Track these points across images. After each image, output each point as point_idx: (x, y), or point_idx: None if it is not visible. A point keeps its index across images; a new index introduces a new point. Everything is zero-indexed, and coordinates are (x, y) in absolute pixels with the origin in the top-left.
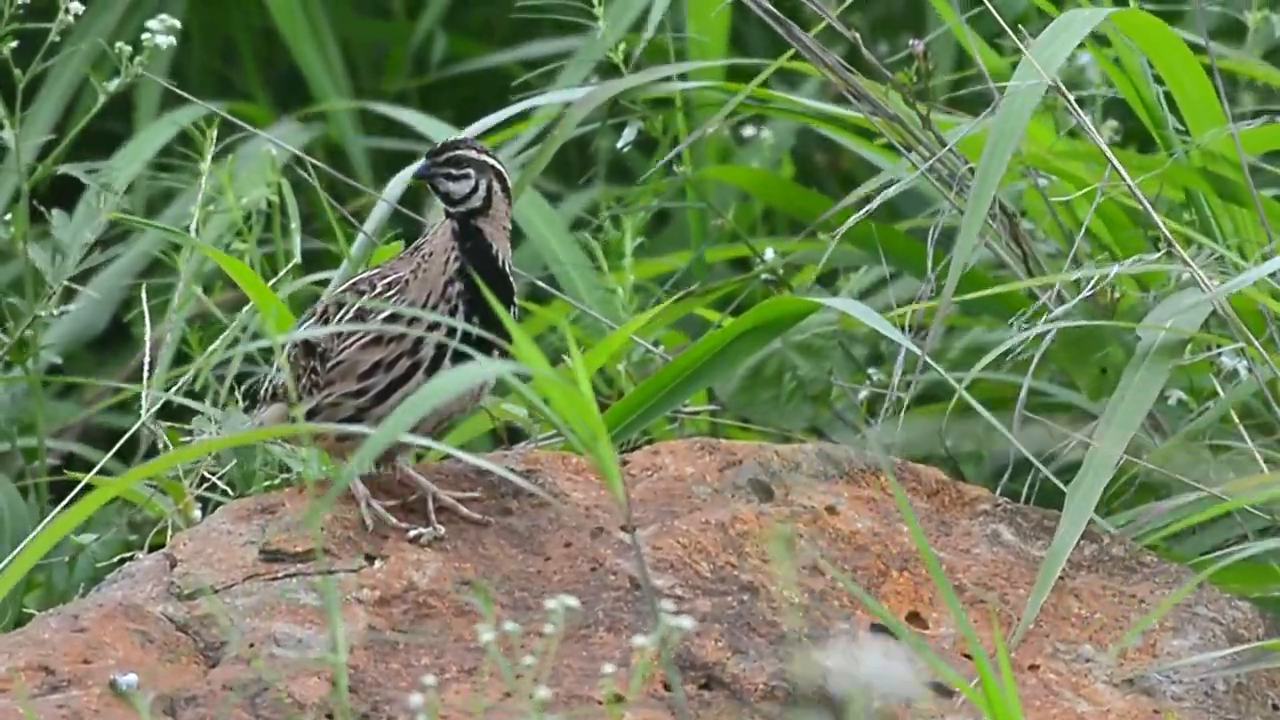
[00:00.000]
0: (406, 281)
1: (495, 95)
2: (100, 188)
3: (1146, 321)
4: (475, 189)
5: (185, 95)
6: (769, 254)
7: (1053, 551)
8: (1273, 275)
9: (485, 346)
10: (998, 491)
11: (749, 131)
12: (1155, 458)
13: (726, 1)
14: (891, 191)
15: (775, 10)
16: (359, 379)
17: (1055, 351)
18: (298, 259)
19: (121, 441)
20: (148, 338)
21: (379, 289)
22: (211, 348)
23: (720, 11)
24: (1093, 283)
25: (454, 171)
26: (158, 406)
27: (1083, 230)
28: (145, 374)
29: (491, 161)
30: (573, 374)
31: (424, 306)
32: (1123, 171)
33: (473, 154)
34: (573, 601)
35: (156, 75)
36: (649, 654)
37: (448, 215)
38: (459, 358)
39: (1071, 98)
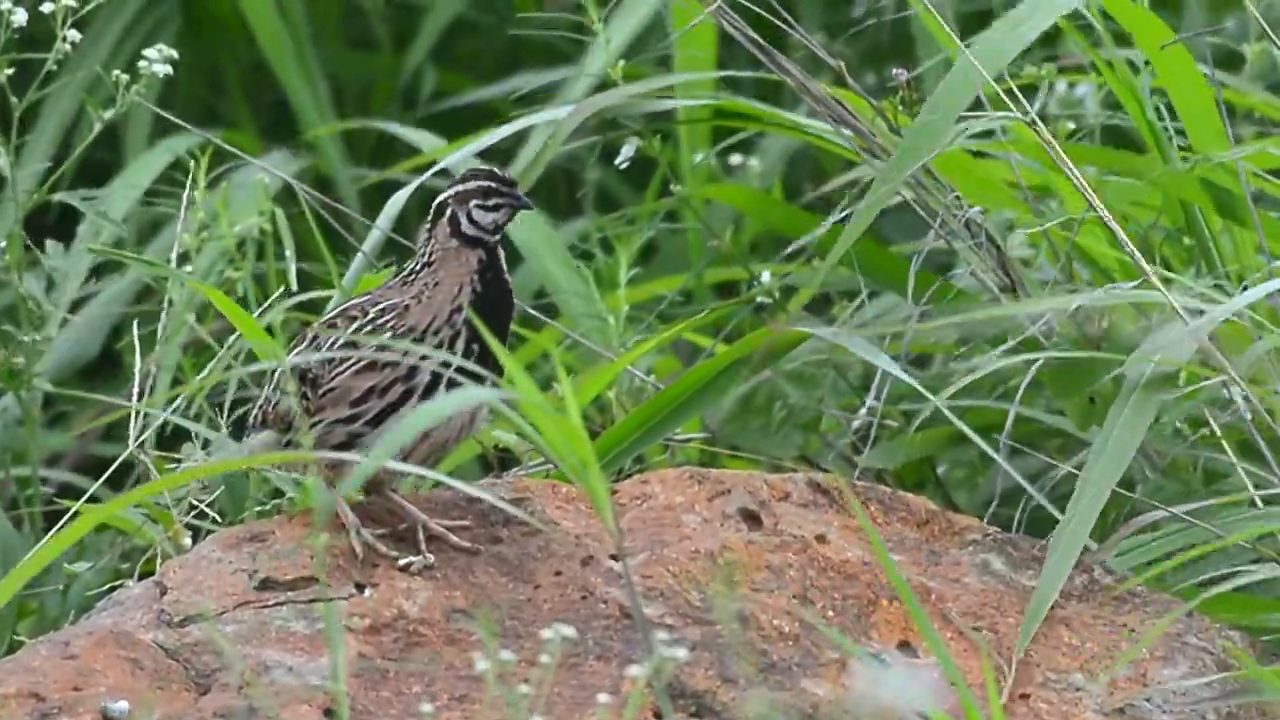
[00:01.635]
0: (407, 306)
1: (481, 126)
2: (97, 215)
3: (1136, 354)
4: (504, 220)
5: (179, 122)
6: (765, 276)
7: (1041, 588)
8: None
9: (479, 376)
10: (987, 519)
11: (736, 159)
12: (1148, 491)
13: (702, 17)
14: (875, 204)
15: (760, 40)
16: (351, 405)
17: (1046, 379)
18: (293, 287)
19: (112, 470)
20: (137, 366)
21: (371, 315)
22: (201, 375)
23: (707, 42)
24: (1076, 304)
25: (486, 202)
26: (148, 435)
27: (1068, 250)
28: (134, 401)
29: (515, 190)
30: (563, 404)
31: (426, 331)
32: (1094, 202)
33: (497, 184)
34: (569, 631)
35: (146, 105)
36: (641, 683)
37: (471, 244)
38: (455, 385)
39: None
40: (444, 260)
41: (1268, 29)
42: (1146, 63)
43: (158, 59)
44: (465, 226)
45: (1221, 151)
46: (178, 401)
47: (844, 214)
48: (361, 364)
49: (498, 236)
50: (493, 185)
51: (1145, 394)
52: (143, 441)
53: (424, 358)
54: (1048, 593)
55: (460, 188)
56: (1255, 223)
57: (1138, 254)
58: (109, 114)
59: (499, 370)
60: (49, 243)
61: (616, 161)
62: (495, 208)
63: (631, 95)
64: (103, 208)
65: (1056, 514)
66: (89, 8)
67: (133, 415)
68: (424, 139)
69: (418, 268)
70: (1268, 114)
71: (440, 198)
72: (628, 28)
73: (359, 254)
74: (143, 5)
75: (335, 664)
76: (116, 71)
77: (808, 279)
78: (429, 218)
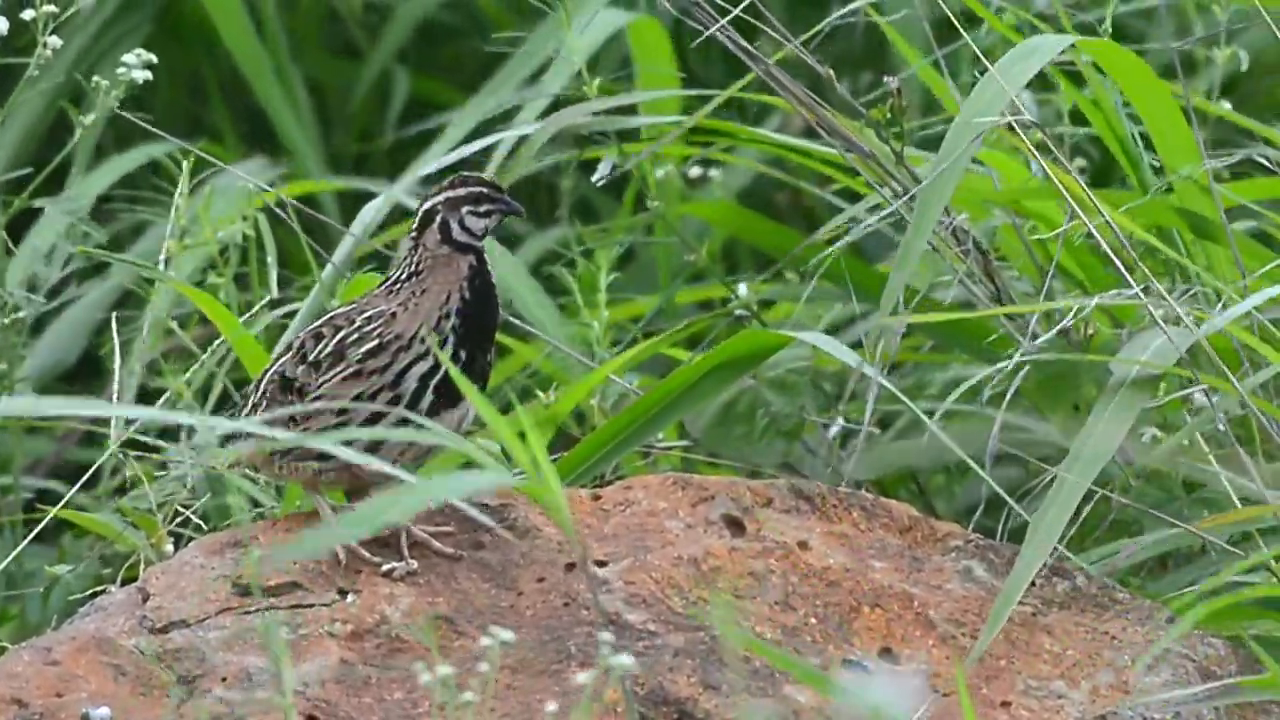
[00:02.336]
0: (394, 314)
1: (462, 136)
2: (80, 223)
3: (1121, 354)
4: (494, 225)
5: (154, 130)
6: (742, 289)
7: (1009, 583)
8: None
9: (468, 377)
10: (970, 527)
11: (695, 172)
12: (1134, 494)
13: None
14: (869, 225)
15: (746, 44)
16: (337, 413)
17: (1030, 388)
18: (274, 294)
19: (89, 474)
20: (117, 368)
21: (357, 323)
22: (184, 377)
23: (666, 52)
24: (1070, 315)
25: (477, 208)
26: (124, 439)
27: (1054, 265)
28: (114, 404)
29: (503, 196)
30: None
31: (413, 338)
32: (1098, 204)
33: (488, 190)
34: (507, 635)
35: (126, 111)
36: (589, 691)
37: (462, 250)
38: (440, 392)
39: (1026, 126)
40: (433, 267)
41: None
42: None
43: (136, 64)
44: (457, 233)
45: (1195, 173)
46: (159, 405)
47: (829, 234)
48: (348, 372)
49: (483, 242)
50: (484, 191)
51: (1128, 395)
52: (122, 444)
53: (416, 362)
54: (1015, 588)
55: (451, 194)
56: (1230, 243)
57: (1132, 259)
58: (89, 119)
59: (484, 377)
60: (28, 245)
61: (594, 179)
62: (487, 214)
63: (594, 110)
64: (77, 210)
65: (1032, 520)
66: (68, 13)
67: (113, 418)
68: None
69: (403, 276)
70: (1238, 124)
71: (427, 204)
72: (591, 42)
73: (329, 265)
74: (112, 13)
75: (284, 679)
76: (96, 78)
77: (789, 292)
78: (415, 225)
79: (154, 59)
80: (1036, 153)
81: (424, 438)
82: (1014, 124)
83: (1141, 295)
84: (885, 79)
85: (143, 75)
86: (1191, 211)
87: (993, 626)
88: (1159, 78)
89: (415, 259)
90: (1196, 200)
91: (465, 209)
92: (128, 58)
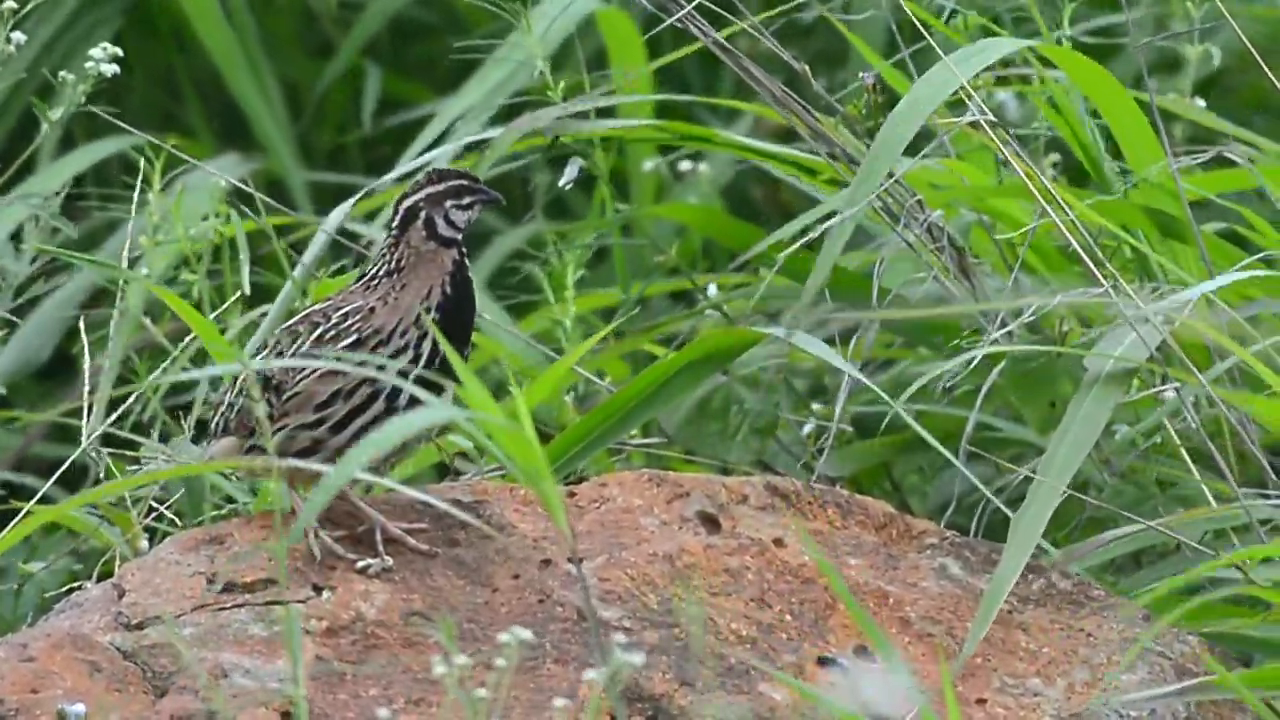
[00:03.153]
0: (372, 309)
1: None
2: (47, 216)
3: (1094, 351)
4: (475, 217)
5: (122, 125)
6: (711, 290)
7: (995, 582)
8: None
9: (446, 373)
10: (942, 524)
11: (686, 165)
12: (1111, 495)
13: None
14: (836, 221)
15: (723, 41)
16: (316, 409)
17: (1004, 386)
18: (246, 290)
19: (62, 469)
20: (86, 366)
21: (334, 319)
22: (152, 376)
23: (640, 49)
24: (1030, 309)
25: (460, 201)
26: (97, 434)
27: (1019, 261)
28: (85, 405)
29: (483, 186)
30: (515, 413)
31: (393, 333)
32: (1060, 200)
33: (468, 182)
34: (525, 634)
35: (98, 106)
36: (599, 689)
37: (447, 244)
38: (419, 385)
39: (994, 124)
40: (415, 263)
41: None
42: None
43: (103, 58)
44: (442, 228)
45: (1159, 172)
46: (130, 402)
47: (797, 231)
48: (326, 368)
49: (463, 235)
50: (464, 184)
51: (1103, 391)
52: (94, 440)
53: (396, 355)
54: (1000, 588)
55: (431, 190)
56: (1197, 239)
57: (1098, 257)
58: (56, 113)
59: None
60: None
61: (561, 183)
62: (469, 205)
63: (564, 113)
64: (45, 207)
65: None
66: (29, 7)
67: (84, 412)
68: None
69: (381, 272)
70: (1205, 124)
71: (408, 202)
72: (555, 37)
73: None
74: (78, 6)
75: (294, 669)
76: (64, 73)
77: (756, 291)
78: (396, 223)
79: (120, 52)
80: (1003, 149)
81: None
82: (980, 121)
83: (1111, 292)
84: (861, 74)
85: (110, 69)
86: (1158, 210)
87: (978, 630)
88: (1135, 76)
89: (396, 255)
90: (1163, 200)
91: (449, 203)
92: (95, 52)
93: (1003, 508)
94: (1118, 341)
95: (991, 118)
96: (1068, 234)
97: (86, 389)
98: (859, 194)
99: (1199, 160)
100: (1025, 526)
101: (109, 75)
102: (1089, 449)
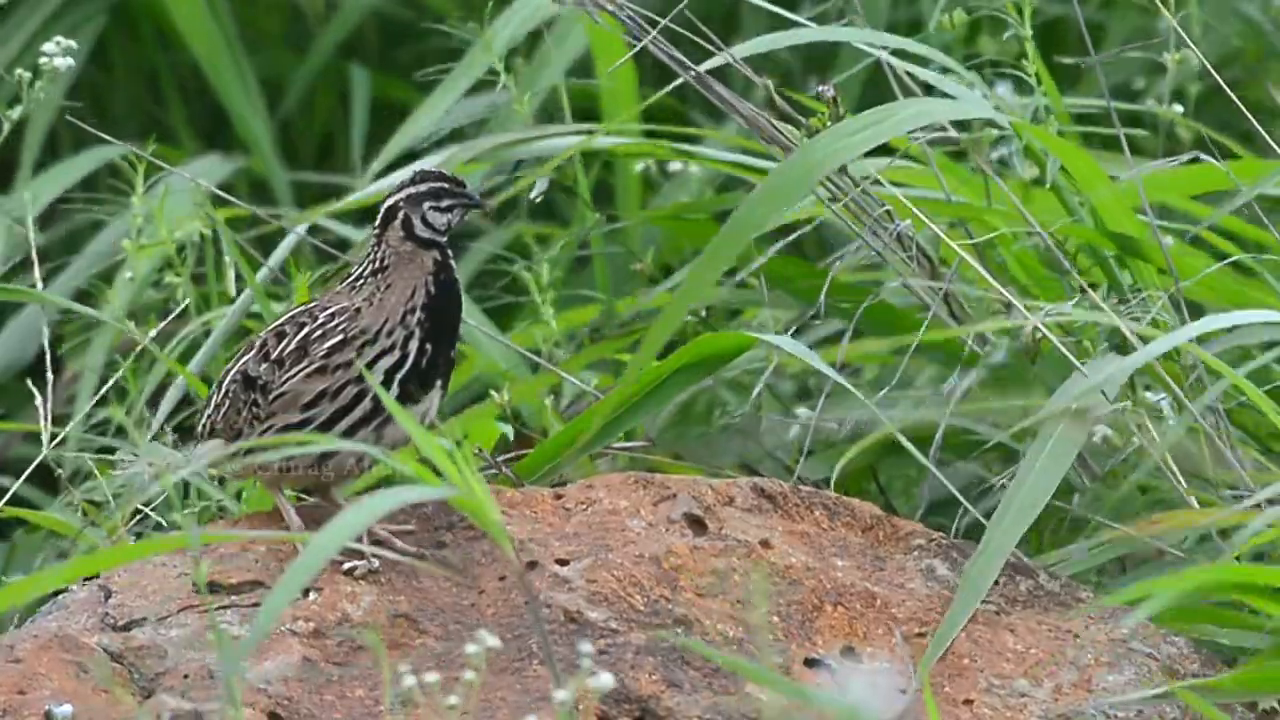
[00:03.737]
0: (358, 309)
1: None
2: (18, 225)
3: (1067, 385)
4: (457, 220)
5: (103, 137)
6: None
7: (967, 584)
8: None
9: (428, 377)
10: (917, 520)
11: (676, 166)
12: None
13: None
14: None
15: (686, 60)
16: (302, 410)
17: (980, 391)
18: (231, 293)
19: (29, 470)
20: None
21: (320, 320)
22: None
23: (626, 60)
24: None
25: (439, 203)
26: (59, 437)
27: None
28: (43, 413)
29: (465, 190)
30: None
31: (379, 333)
32: (1030, 219)
33: (448, 185)
34: (494, 640)
35: (82, 108)
36: (569, 707)
37: (425, 245)
38: (405, 386)
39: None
40: (397, 264)
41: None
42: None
43: (57, 52)
44: (419, 229)
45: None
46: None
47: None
48: (312, 368)
49: (445, 237)
50: (444, 186)
51: (1074, 423)
52: (62, 444)
53: (381, 356)
54: (969, 599)
55: (411, 190)
56: (1168, 261)
57: (1063, 270)
58: (15, 112)
59: (447, 373)
60: None
61: (531, 196)
62: (448, 208)
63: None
64: (18, 210)
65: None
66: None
67: (43, 421)
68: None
69: (366, 272)
70: (1188, 128)
71: (389, 201)
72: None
73: (269, 263)
74: (59, 7)
75: (230, 693)
76: (20, 70)
77: (749, 297)
78: (377, 222)
79: (74, 45)
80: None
81: (375, 452)
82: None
83: (1101, 305)
84: (819, 87)
85: (65, 63)
86: (1121, 235)
87: (947, 632)
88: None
89: (379, 255)
90: (1127, 219)
91: (427, 204)
92: (48, 46)
93: (979, 517)
94: (1100, 365)
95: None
96: (1047, 239)
97: (49, 395)
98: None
99: (1178, 164)
100: (1000, 538)
101: (62, 69)
102: (1057, 481)
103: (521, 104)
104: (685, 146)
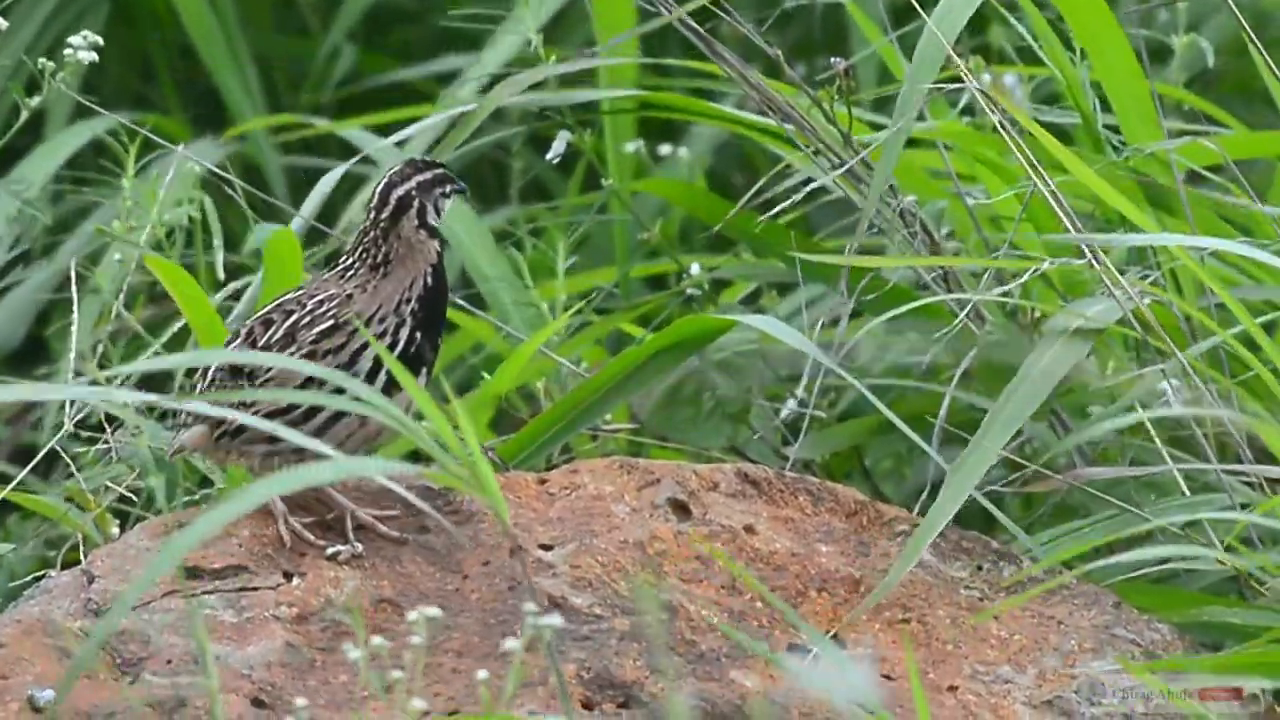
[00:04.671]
0: (349, 295)
1: (412, 111)
2: (25, 205)
3: (1062, 312)
4: (452, 206)
5: (99, 110)
6: (694, 268)
7: (925, 522)
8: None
9: (415, 366)
10: (917, 510)
11: (665, 149)
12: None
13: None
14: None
15: (696, 26)
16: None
17: (978, 369)
18: (221, 275)
19: (36, 460)
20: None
21: (309, 306)
22: (128, 368)
23: (628, 26)
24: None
25: (444, 189)
26: (75, 421)
27: (1011, 232)
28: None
29: (454, 177)
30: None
31: (371, 319)
32: (1040, 170)
33: (445, 171)
34: (434, 611)
35: (71, 91)
36: (519, 658)
37: (433, 234)
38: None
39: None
40: (402, 254)
41: None
42: (1084, 55)
43: (83, 45)
44: (432, 217)
45: (1154, 141)
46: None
47: (776, 210)
48: (301, 354)
49: (442, 224)
50: (444, 173)
51: (1066, 345)
52: (59, 428)
53: (366, 344)
54: (934, 521)
55: (421, 178)
56: (1186, 213)
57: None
58: (35, 100)
59: (432, 364)
60: None
61: (548, 156)
62: (449, 194)
63: (553, 72)
64: (21, 188)
65: (986, 504)
66: None
67: (68, 403)
68: (356, 136)
69: (362, 264)
70: (1197, 106)
71: (400, 191)
72: (547, 10)
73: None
74: None
75: (206, 665)
76: (41, 59)
77: (738, 271)
78: (386, 214)
79: (100, 40)
80: (997, 113)
81: (369, 411)
82: (974, 90)
83: (1098, 261)
84: (832, 60)
85: (89, 56)
86: (1148, 179)
87: (904, 564)
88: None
89: (385, 249)
90: (1156, 169)
91: (437, 190)
92: (74, 39)
93: (978, 496)
94: (1084, 305)
95: (982, 88)
96: (1059, 195)
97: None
98: (880, 183)
99: (1183, 142)
100: (960, 478)
101: (86, 63)
102: (1044, 397)
103: (544, 54)
104: (710, 104)
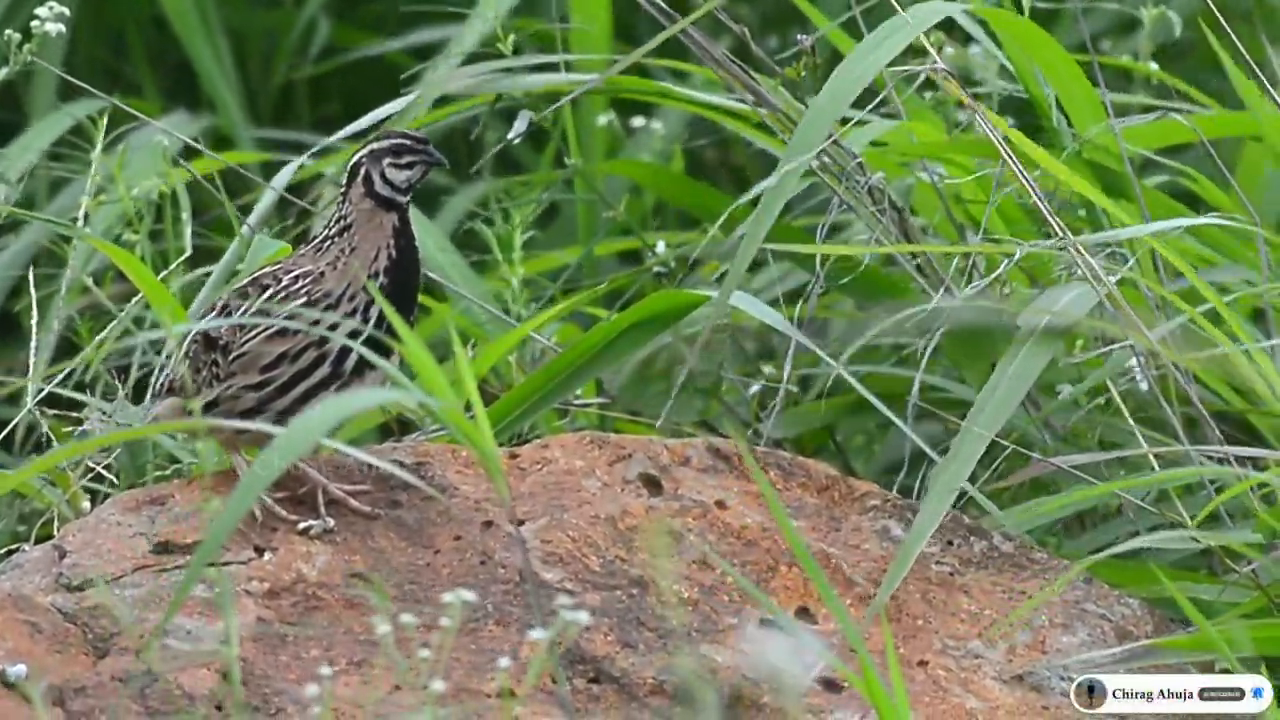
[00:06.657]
0: (322, 273)
1: (383, 87)
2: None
3: (1031, 307)
4: (417, 178)
5: (80, 84)
6: (660, 247)
7: (915, 528)
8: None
9: (394, 336)
10: (893, 488)
11: (638, 122)
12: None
13: None
14: (775, 178)
15: (663, 4)
16: (261, 371)
17: (947, 347)
18: (189, 250)
19: (4, 433)
20: (34, 327)
21: (284, 282)
22: (99, 338)
23: (600, 5)
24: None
25: (399, 160)
26: (41, 396)
27: (983, 222)
28: (32, 366)
29: (427, 148)
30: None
31: (342, 297)
32: (1011, 156)
33: (411, 142)
34: (469, 595)
35: (45, 63)
36: (544, 649)
37: (386, 206)
38: (367, 348)
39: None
40: (359, 224)
41: None
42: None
43: (49, 17)
44: (379, 185)
45: (1100, 129)
46: (76, 361)
47: (748, 196)
48: (273, 330)
49: (408, 196)
50: (405, 143)
51: (1039, 345)
52: (40, 403)
53: (333, 326)
54: (922, 531)
55: (374, 146)
56: (1138, 197)
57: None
58: (2, 73)
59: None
60: None
61: (509, 136)
62: (409, 165)
63: (522, 65)
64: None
65: (967, 486)
66: None
67: (31, 371)
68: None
69: (332, 233)
70: (1160, 80)
71: (354, 158)
72: None
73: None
74: None
75: (228, 628)
76: (9, 31)
77: (706, 250)
78: (344, 180)
79: (66, 11)
80: (959, 102)
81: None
82: (936, 71)
83: (1074, 245)
84: (798, 37)
85: (56, 28)
86: (1101, 165)
87: (893, 578)
88: (1091, 35)
89: (343, 213)
90: (1109, 159)
91: (386, 160)
92: (41, 10)
93: (968, 489)
94: (1057, 297)
95: (945, 67)
96: (1027, 182)
97: (33, 350)
98: (799, 147)
99: (1146, 121)
100: (946, 479)
101: (54, 35)
102: (1019, 399)
103: (506, 44)
104: (676, 88)
